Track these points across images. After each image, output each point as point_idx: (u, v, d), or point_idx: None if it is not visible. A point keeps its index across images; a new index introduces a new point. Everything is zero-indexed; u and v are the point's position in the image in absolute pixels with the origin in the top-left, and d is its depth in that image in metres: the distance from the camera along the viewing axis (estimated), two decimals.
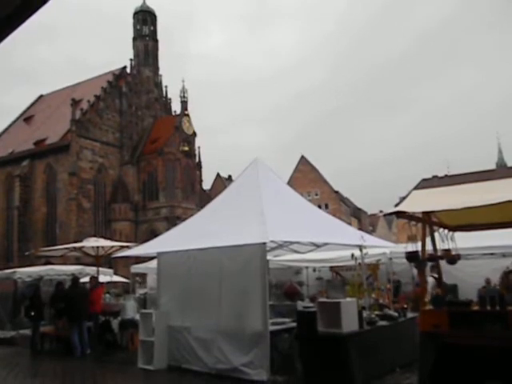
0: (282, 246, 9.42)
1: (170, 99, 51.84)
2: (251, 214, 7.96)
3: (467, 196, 5.67)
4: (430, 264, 11.13)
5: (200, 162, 48.68)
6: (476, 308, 5.69)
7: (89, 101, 43.03)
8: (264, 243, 7.53)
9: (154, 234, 30.36)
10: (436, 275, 10.84)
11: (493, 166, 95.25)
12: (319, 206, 43.46)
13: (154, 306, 9.63)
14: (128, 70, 48.05)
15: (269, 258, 11.04)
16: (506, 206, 5.01)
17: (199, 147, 48.66)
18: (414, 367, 6.16)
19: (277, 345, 7.79)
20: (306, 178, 66.95)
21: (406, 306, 9.36)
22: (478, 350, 5.38)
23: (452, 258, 6.55)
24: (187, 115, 46.61)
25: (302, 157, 70.73)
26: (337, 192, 70.02)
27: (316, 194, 66.58)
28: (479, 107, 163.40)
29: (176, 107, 49.55)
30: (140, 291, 15.24)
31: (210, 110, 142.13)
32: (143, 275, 17.64)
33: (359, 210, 79.05)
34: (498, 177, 10.02)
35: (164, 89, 51.55)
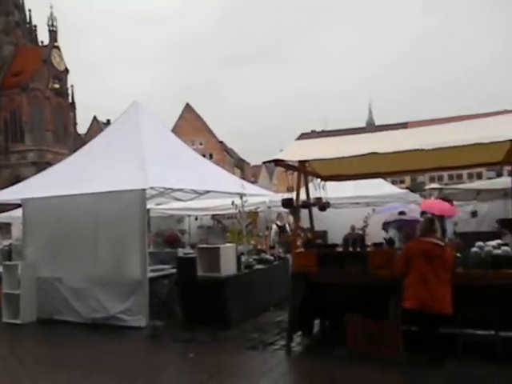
0: (163, 193, 9.22)
1: (35, 26, 45.67)
2: (130, 160, 7.59)
3: (338, 147, 6.08)
4: (277, 212, 12.16)
5: (74, 102, 44.52)
6: (340, 250, 6.28)
7: None
8: (144, 190, 7.29)
9: (19, 181, 27.48)
10: (279, 223, 11.96)
11: (363, 124, 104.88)
12: (203, 156, 43.19)
13: (20, 258, 8.88)
14: None
15: (150, 206, 10.78)
16: (371, 158, 5.46)
17: (72, 86, 44.40)
18: (286, 306, 6.66)
19: (156, 291, 7.81)
20: (191, 127, 65.88)
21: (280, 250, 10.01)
22: (341, 287, 5.99)
23: (323, 205, 7.06)
24: (57, 47, 41.73)
25: (187, 105, 69.10)
26: (221, 142, 70.40)
27: (200, 144, 66.16)
28: (355, 69, 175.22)
29: (43, 37, 44.01)
30: (4, 242, 13.90)
31: (87, 45, 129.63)
32: (7, 225, 16.30)
33: (242, 160, 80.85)
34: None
35: (27, 13, 45.09)
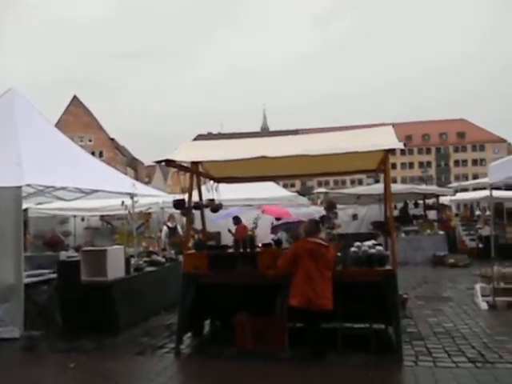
0: (43, 191, 8.49)
1: None
2: (3, 153, 6.84)
3: (230, 150, 6.17)
4: (168, 213, 12.13)
5: None
6: (231, 251, 6.38)
7: None
8: (19, 187, 6.63)
9: None
10: (170, 224, 11.98)
11: (258, 129, 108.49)
12: (92, 153, 40.92)
13: None
14: None
15: (28, 205, 9.84)
16: (263, 161, 5.64)
17: None
18: (177, 308, 6.57)
19: (33, 298, 7.16)
20: (79, 122, 61.67)
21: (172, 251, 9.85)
22: (232, 288, 6.09)
23: (215, 207, 7.11)
24: None
25: (75, 97, 64.40)
26: (113, 139, 67.03)
27: (90, 140, 62.35)
28: (250, 75, 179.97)
29: None
30: None
31: None
32: None
33: (136, 160, 78.06)
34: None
35: None
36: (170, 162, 5.65)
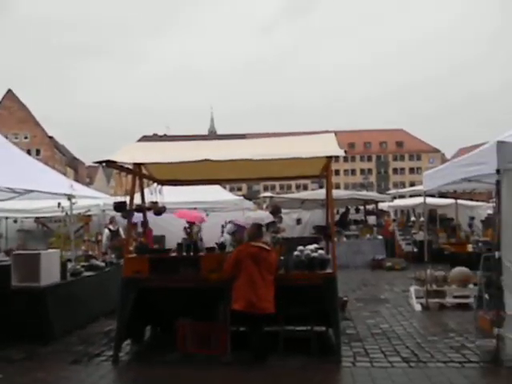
0: None
1: None
2: None
3: (174, 152, 6.07)
4: (110, 216, 11.75)
5: None
6: (174, 254, 6.26)
7: None
8: None
9: None
10: (112, 227, 11.64)
11: (206, 132, 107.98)
12: (28, 151, 38.91)
13: None
14: None
15: None
16: (208, 164, 5.58)
17: None
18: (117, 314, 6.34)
19: None
20: (14, 117, 58.26)
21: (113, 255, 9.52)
22: (174, 292, 5.96)
23: (158, 210, 6.96)
24: None
25: (10, 91, 60.69)
26: (51, 137, 63.88)
27: (26, 137, 59.04)
28: (198, 78, 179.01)
29: None
30: None
31: None
32: None
33: (77, 159, 75.01)
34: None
35: None
36: (111, 163, 5.45)
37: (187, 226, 11.36)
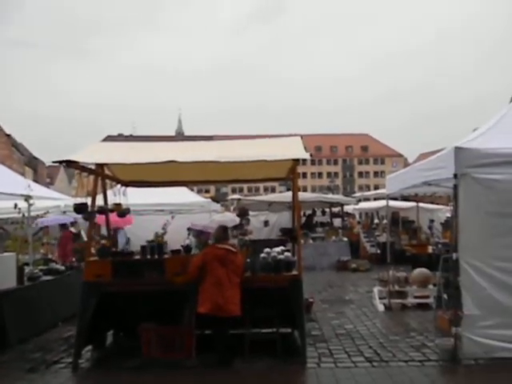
0: None
1: None
2: None
3: (139, 153, 5.94)
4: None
5: None
6: (138, 257, 6.11)
7: None
8: None
9: None
10: (74, 230, 11.33)
11: (173, 133, 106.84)
12: None
13: None
14: None
15: None
16: (174, 166, 5.48)
17: None
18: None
19: None
20: None
21: (74, 258, 9.24)
22: (138, 296, 5.82)
23: (122, 211, 6.79)
24: None
25: None
26: (9, 135, 61.30)
27: None
28: (167, 78, 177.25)
29: None
30: None
31: None
32: None
33: (36, 159, 72.38)
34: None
35: None
36: (71, 163, 5.27)
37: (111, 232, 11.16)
